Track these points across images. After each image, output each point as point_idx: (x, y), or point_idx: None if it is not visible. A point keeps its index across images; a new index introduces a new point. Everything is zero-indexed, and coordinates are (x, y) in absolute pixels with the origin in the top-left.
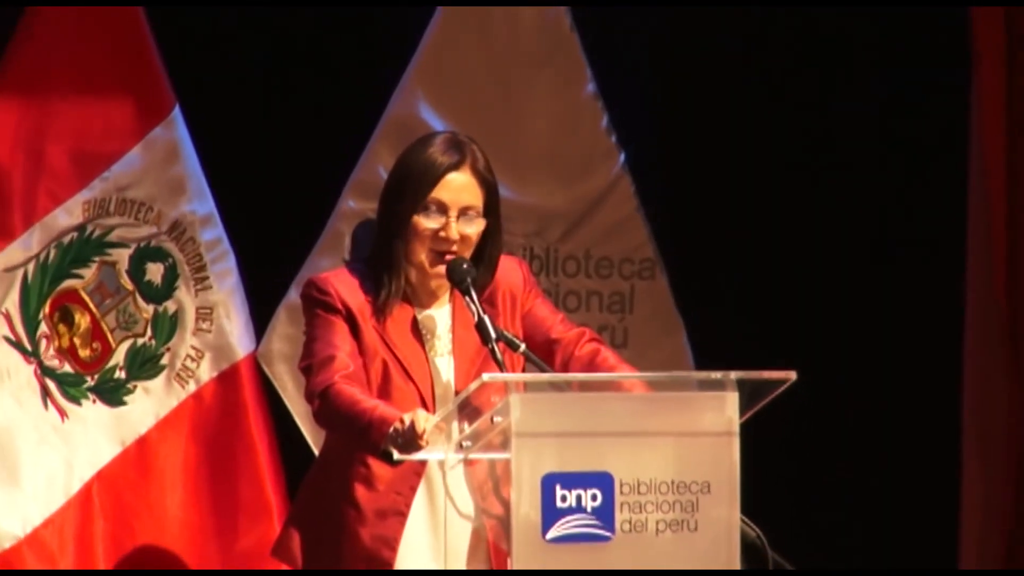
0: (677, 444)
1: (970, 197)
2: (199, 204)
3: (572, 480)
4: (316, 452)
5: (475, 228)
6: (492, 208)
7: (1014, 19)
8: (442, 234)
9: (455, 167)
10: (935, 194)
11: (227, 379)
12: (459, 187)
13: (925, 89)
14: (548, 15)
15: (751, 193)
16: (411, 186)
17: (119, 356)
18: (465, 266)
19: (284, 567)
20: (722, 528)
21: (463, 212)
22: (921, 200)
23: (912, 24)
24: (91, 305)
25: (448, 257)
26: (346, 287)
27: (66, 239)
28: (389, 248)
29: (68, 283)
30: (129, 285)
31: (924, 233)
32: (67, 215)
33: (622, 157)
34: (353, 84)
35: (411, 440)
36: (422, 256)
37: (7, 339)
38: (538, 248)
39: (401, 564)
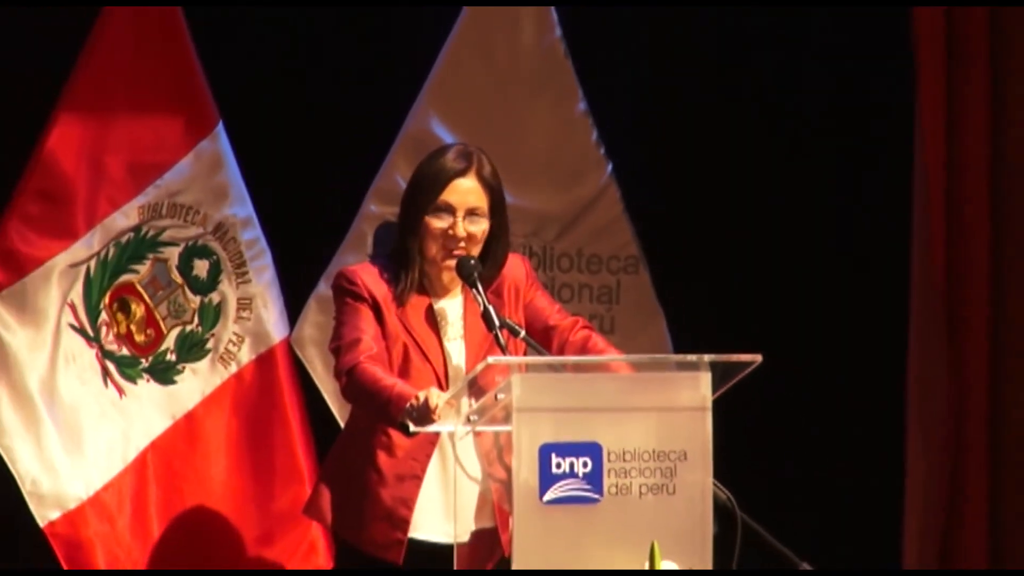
0: (658, 418)
1: (915, 200)
2: (240, 208)
3: (566, 449)
4: (342, 424)
5: (480, 227)
6: (497, 210)
7: (954, 18)
8: (451, 232)
9: (462, 173)
10: (884, 199)
11: (264, 361)
12: (465, 191)
13: (874, 91)
14: (545, 43)
15: (724, 197)
16: (424, 190)
17: (170, 341)
18: (472, 263)
19: (315, 523)
20: (697, 491)
21: (469, 213)
22: (871, 204)
23: (857, 25)
24: (145, 297)
25: (457, 253)
26: (371, 279)
27: (123, 239)
28: (406, 245)
29: (125, 277)
30: (179, 279)
31: (873, 235)
32: (124, 218)
33: (609, 167)
34: (374, 103)
35: (425, 415)
36: (434, 251)
37: (72, 326)
38: (536, 246)
39: (417, 521)
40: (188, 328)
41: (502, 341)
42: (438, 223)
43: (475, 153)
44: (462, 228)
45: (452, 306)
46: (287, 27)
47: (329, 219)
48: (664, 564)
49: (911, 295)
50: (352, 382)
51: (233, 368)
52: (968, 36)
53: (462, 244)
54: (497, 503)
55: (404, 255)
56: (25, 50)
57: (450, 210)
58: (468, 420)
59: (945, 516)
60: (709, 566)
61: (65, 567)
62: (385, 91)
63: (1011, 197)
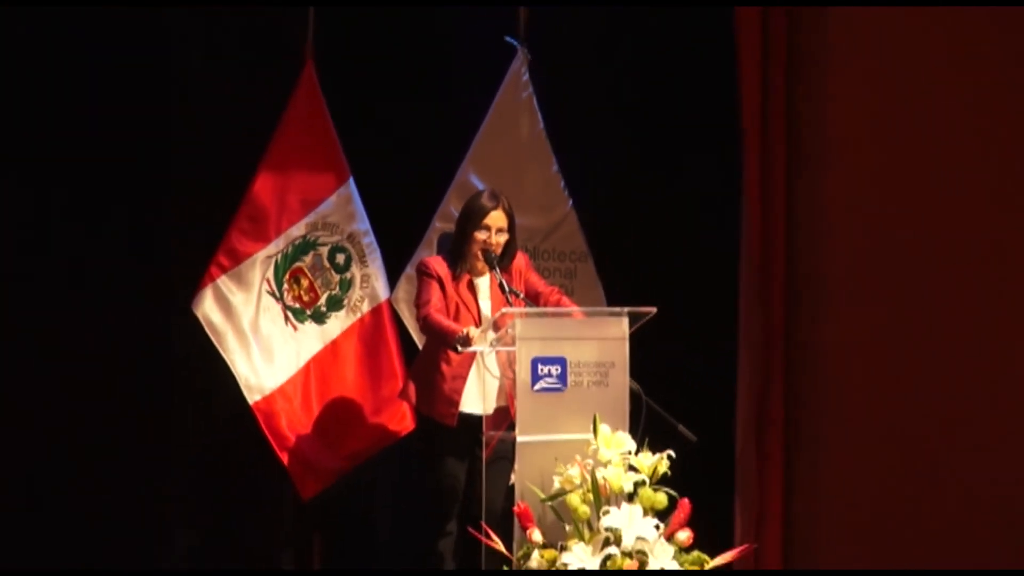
0: (598, 344)
1: (743, 211)
2: (362, 224)
3: (547, 361)
4: (420, 347)
5: (504, 238)
6: (512, 227)
7: (769, 18)
8: (488, 241)
9: (494, 207)
10: (721, 205)
11: (376, 312)
12: (496, 217)
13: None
14: (535, 132)
15: (635, 220)
16: (472, 217)
17: (323, 300)
18: (493, 256)
19: (405, 403)
20: (620, 385)
21: (498, 230)
22: (710, 209)
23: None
24: (309, 275)
25: (489, 251)
26: (439, 266)
27: (296, 242)
28: (460, 249)
29: (297, 264)
30: (327, 265)
31: (718, 233)
32: (297, 230)
33: (570, 202)
34: (436, 165)
35: (467, 341)
36: (476, 252)
37: (267, 291)
38: (530, 246)
39: (464, 401)
40: (333, 293)
41: (510, 300)
42: (481, 235)
43: (500, 195)
44: (494, 239)
45: (483, 281)
46: (387, 117)
47: (411, 231)
48: (602, 427)
49: (740, 267)
50: (426, 324)
51: (359, 315)
52: (775, 36)
53: (493, 247)
54: (508, 391)
55: (459, 254)
56: (237, 129)
57: (488, 229)
58: (492, 344)
59: (760, 393)
60: (627, 430)
61: (264, 429)
62: (442, 159)
63: (802, 182)
